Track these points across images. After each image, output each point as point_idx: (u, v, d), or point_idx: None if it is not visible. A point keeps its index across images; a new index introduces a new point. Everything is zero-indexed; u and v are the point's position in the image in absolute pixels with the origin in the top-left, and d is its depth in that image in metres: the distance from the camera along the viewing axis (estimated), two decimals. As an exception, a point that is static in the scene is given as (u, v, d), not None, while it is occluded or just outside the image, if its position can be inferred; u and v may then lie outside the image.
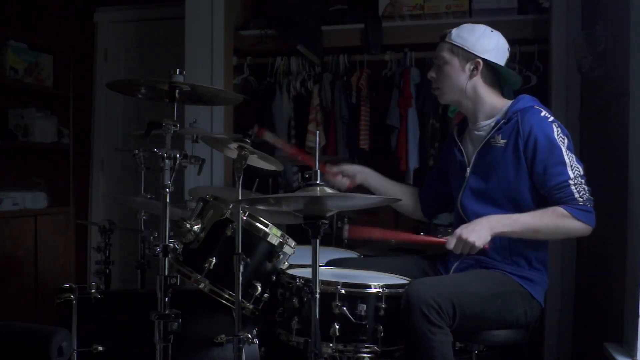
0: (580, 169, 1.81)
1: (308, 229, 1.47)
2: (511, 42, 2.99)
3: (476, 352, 1.89)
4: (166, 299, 1.58)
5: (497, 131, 1.90)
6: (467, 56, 1.92)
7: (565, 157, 1.80)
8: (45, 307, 3.50)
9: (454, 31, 1.95)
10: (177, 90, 1.68)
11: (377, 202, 1.89)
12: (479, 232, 1.78)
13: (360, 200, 1.64)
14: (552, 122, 1.84)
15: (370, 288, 1.72)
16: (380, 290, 1.72)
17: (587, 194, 1.79)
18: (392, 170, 3.23)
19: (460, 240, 1.78)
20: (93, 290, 1.90)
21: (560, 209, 1.77)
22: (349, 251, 2.51)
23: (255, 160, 1.96)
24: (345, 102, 3.26)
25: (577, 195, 1.77)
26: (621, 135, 1.92)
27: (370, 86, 3.27)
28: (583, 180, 1.80)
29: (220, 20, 3.26)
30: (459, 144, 2.05)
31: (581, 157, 2.68)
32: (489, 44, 1.93)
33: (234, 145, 1.84)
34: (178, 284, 1.61)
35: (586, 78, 2.60)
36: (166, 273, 1.59)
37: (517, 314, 1.81)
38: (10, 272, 3.47)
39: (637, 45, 1.78)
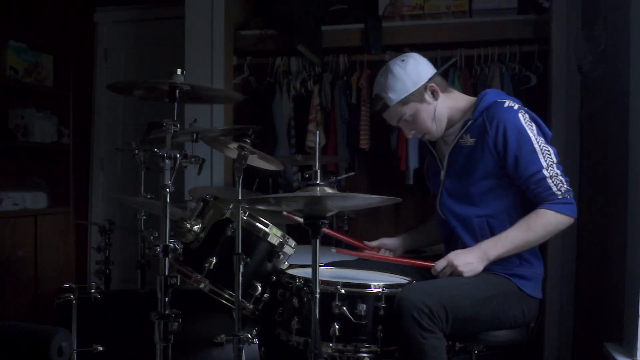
0: (553, 156, 1.81)
1: (308, 229, 1.47)
2: (511, 42, 3.04)
3: (476, 352, 1.89)
4: (166, 299, 1.58)
5: (466, 131, 1.91)
6: (419, 93, 1.93)
7: (535, 145, 1.80)
8: (45, 307, 3.50)
9: (387, 94, 1.93)
10: (177, 90, 1.68)
11: (377, 202, 1.89)
12: (472, 264, 1.80)
13: (360, 200, 1.64)
14: (518, 110, 1.85)
15: (370, 288, 1.72)
16: (380, 290, 1.72)
17: (565, 185, 1.80)
18: (392, 170, 3.24)
19: (451, 267, 1.80)
20: (93, 290, 1.91)
21: (542, 211, 1.78)
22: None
23: (255, 160, 1.96)
24: (345, 102, 3.26)
25: (554, 189, 1.78)
26: (621, 135, 1.92)
27: (370, 86, 3.27)
28: (559, 171, 1.80)
29: (220, 20, 3.26)
30: (431, 148, 2.07)
31: (581, 157, 2.73)
32: (415, 69, 1.94)
33: (234, 145, 1.84)
34: (178, 284, 1.61)
35: (586, 78, 2.60)
36: (166, 273, 1.59)
37: (513, 314, 1.81)
38: (10, 272, 3.47)
39: (637, 45, 1.78)
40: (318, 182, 1.47)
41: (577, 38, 2.53)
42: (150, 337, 1.57)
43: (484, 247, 1.82)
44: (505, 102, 1.87)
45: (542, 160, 1.79)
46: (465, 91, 2.85)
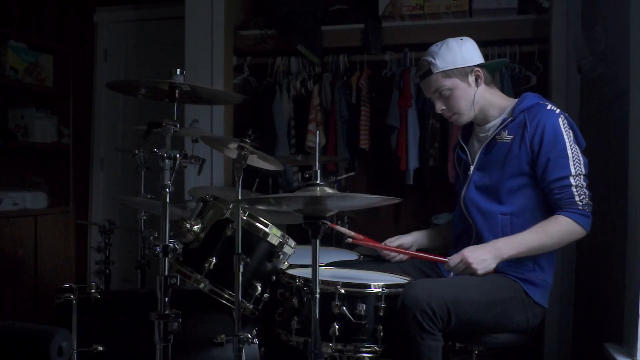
0: (582, 167, 1.81)
1: (308, 229, 1.47)
2: (511, 42, 3.04)
3: (476, 352, 1.89)
4: (166, 299, 1.58)
5: (503, 128, 1.91)
6: (465, 71, 1.93)
7: (569, 151, 1.80)
8: (45, 307, 3.51)
9: (436, 60, 1.94)
10: (177, 90, 1.68)
11: (377, 202, 1.89)
12: (485, 260, 1.78)
13: (360, 200, 1.64)
14: (559, 114, 1.86)
15: (370, 288, 1.72)
16: (380, 290, 1.72)
17: (587, 199, 1.79)
18: (392, 170, 3.24)
19: (464, 263, 1.78)
20: (93, 290, 1.91)
21: (562, 218, 1.78)
22: (349, 251, 2.51)
23: (255, 160, 1.96)
24: (345, 102, 3.26)
25: (577, 198, 1.78)
26: (621, 135, 1.92)
27: (370, 86, 3.27)
28: (585, 183, 1.80)
29: (220, 20, 3.26)
30: (464, 146, 2.06)
31: (581, 157, 2.72)
32: (470, 50, 1.95)
33: (234, 145, 1.84)
34: (178, 284, 1.61)
35: (586, 78, 2.60)
36: (166, 273, 1.59)
37: (517, 320, 1.80)
38: (10, 272, 3.47)
39: (637, 45, 1.78)
40: (318, 182, 1.47)
41: (577, 38, 2.53)
42: (150, 337, 1.57)
43: (499, 245, 1.81)
44: (547, 104, 1.88)
45: (571, 167, 1.79)
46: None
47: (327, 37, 3.30)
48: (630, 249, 1.79)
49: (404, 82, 3.15)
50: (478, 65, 1.94)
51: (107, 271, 2.62)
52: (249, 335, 1.77)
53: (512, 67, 3.03)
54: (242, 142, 1.80)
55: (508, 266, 1.85)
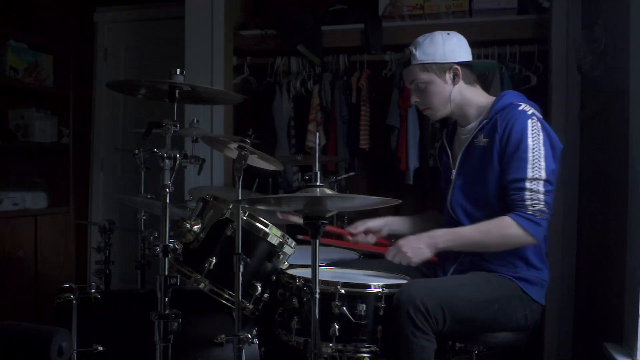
0: (542, 172, 1.75)
1: (308, 229, 1.47)
2: (511, 42, 3.04)
3: (476, 352, 1.89)
4: (166, 299, 1.58)
5: (480, 131, 1.90)
6: (443, 67, 1.93)
7: (529, 153, 1.77)
8: (45, 307, 3.50)
9: (416, 51, 1.94)
10: (177, 90, 1.68)
11: (377, 203, 1.89)
12: (418, 249, 1.81)
13: (360, 201, 1.64)
14: (531, 115, 1.82)
15: (370, 288, 1.72)
16: (380, 290, 1.72)
17: (541, 205, 1.74)
18: (392, 170, 3.24)
19: (400, 253, 1.82)
20: (93, 290, 1.91)
21: (506, 219, 1.75)
22: (349, 251, 2.51)
23: (255, 160, 1.96)
24: (345, 102, 3.26)
25: (528, 202, 1.74)
26: (621, 135, 1.92)
27: (370, 86, 3.27)
28: (543, 189, 1.75)
29: (220, 20, 3.26)
30: (447, 147, 2.06)
31: (581, 157, 2.72)
32: (454, 46, 1.94)
33: (234, 145, 1.84)
34: (178, 284, 1.61)
35: (586, 78, 2.60)
36: (166, 273, 1.59)
37: (516, 318, 1.80)
38: (10, 272, 3.47)
39: (637, 45, 1.78)
40: (318, 183, 1.47)
41: (577, 38, 2.53)
42: (150, 337, 1.57)
43: (436, 234, 1.83)
44: (521, 104, 1.85)
45: (529, 170, 1.76)
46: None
47: (327, 37, 3.30)
48: (630, 249, 1.79)
49: (404, 82, 3.14)
50: (459, 63, 1.93)
51: (107, 271, 2.62)
52: (249, 335, 1.77)
53: (512, 67, 3.03)
54: (242, 142, 1.80)
55: (502, 266, 1.85)
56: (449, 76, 1.94)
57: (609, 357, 1.79)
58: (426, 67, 1.93)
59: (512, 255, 1.85)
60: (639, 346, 1.69)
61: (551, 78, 2.86)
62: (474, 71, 1.99)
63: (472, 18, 3.09)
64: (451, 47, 1.93)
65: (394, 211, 3.46)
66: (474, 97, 1.97)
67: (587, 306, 2.58)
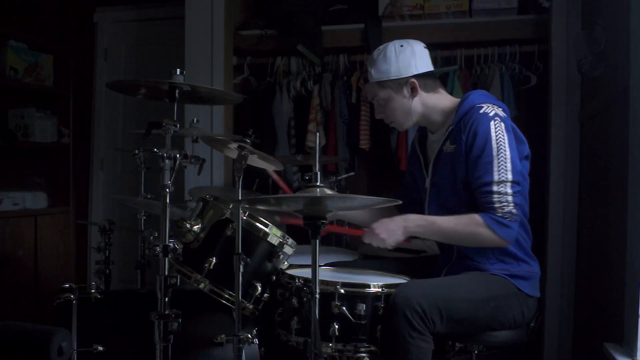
0: (509, 174, 1.75)
1: (308, 229, 1.47)
2: (511, 42, 3.04)
3: (476, 352, 1.89)
4: (166, 299, 1.58)
5: (447, 138, 1.89)
6: (399, 83, 1.92)
7: (494, 157, 1.75)
8: (45, 307, 3.50)
9: (371, 69, 1.94)
10: (177, 90, 1.68)
11: (377, 203, 1.89)
12: (392, 231, 1.82)
13: (360, 201, 1.64)
14: (493, 117, 1.80)
15: (370, 288, 1.72)
16: (380, 290, 1.72)
17: (510, 207, 1.74)
18: (392, 170, 3.24)
19: (374, 235, 1.83)
20: (93, 290, 1.91)
21: (477, 217, 1.75)
22: (349, 251, 2.51)
23: (255, 160, 1.96)
24: (345, 102, 3.26)
25: (497, 205, 1.74)
26: (621, 135, 1.92)
27: (370, 86, 3.27)
28: (510, 191, 1.75)
29: (220, 20, 3.26)
30: (419, 153, 2.05)
31: (581, 157, 2.72)
32: (408, 59, 1.92)
33: (234, 145, 1.84)
34: (178, 284, 1.61)
35: (586, 78, 2.60)
36: (166, 273, 1.59)
37: (513, 314, 1.81)
38: (10, 272, 3.47)
39: (637, 45, 1.78)
40: (318, 184, 1.47)
41: (577, 38, 2.53)
42: (150, 337, 1.57)
43: (409, 218, 1.84)
44: (483, 106, 1.83)
45: (494, 173, 1.75)
46: (465, 91, 2.85)
47: (327, 37, 3.30)
48: (630, 249, 1.79)
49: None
50: (415, 76, 1.91)
51: (107, 271, 2.62)
52: (249, 335, 1.77)
53: (512, 67, 3.03)
54: (242, 142, 1.80)
55: (493, 265, 1.86)
56: (406, 90, 1.93)
57: (609, 357, 1.79)
58: (383, 84, 1.93)
59: (500, 253, 1.85)
60: (639, 346, 1.69)
61: (551, 78, 2.86)
62: (434, 77, 1.98)
63: (472, 18, 3.10)
64: (405, 60, 1.91)
65: (394, 211, 3.48)
66: (438, 103, 1.96)
67: (587, 306, 2.58)
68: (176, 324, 1.58)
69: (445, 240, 1.87)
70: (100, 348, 1.81)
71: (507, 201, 1.74)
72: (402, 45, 1.93)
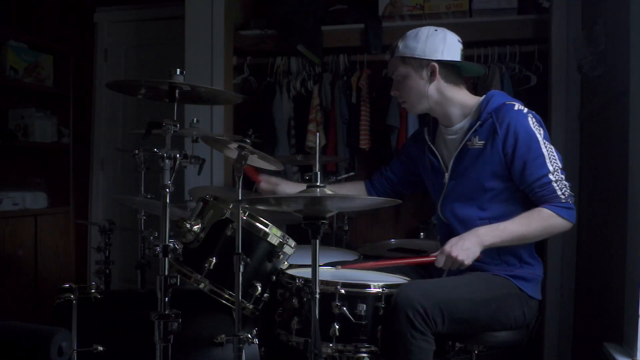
0: (558, 161, 1.82)
1: (308, 229, 1.47)
2: (511, 42, 3.04)
3: (476, 352, 1.89)
4: (166, 299, 1.58)
5: (474, 134, 1.89)
6: (420, 63, 1.93)
7: (544, 149, 1.81)
8: (45, 307, 3.50)
9: (400, 43, 1.95)
10: (177, 90, 1.68)
11: (377, 203, 1.89)
12: (469, 249, 1.78)
13: (360, 201, 1.64)
14: (527, 113, 1.86)
15: (370, 288, 1.72)
16: (380, 290, 1.72)
17: (568, 190, 1.81)
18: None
19: (450, 258, 1.78)
20: (93, 290, 1.91)
21: (545, 210, 1.78)
22: (349, 251, 2.51)
23: (255, 160, 1.96)
24: (345, 102, 3.26)
25: (559, 192, 1.79)
26: (621, 135, 1.92)
27: (370, 86, 3.27)
28: (563, 176, 1.81)
29: (220, 20, 3.26)
30: (433, 148, 2.04)
31: (581, 157, 2.73)
32: (437, 43, 1.92)
33: (234, 145, 1.84)
34: (178, 284, 1.61)
35: (586, 78, 2.60)
36: (166, 273, 1.59)
37: (514, 315, 1.81)
38: (10, 272, 3.47)
39: (637, 45, 1.78)
40: (318, 184, 1.47)
41: (577, 38, 2.53)
42: (150, 337, 1.57)
43: (480, 232, 1.81)
44: (514, 104, 1.87)
45: (549, 165, 1.80)
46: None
47: (327, 37, 3.30)
48: (630, 249, 1.79)
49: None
50: (438, 61, 1.92)
51: (107, 271, 2.62)
52: (249, 335, 1.77)
53: (512, 67, 3.03)
54: (242, 142, 1.80)
55: (496, 266, 1.86)
56: (425, 73, 1.93)
57: (609, 357, 1.79)
58: (405, 60, 1.94)
59: (505, 254, 1.87)
60: (639, 346, 1.69)
61: (551, 78, 2.86)
62: (459, 72, 1.98)
63: (472, 18, 3.10)
64: (433, 44, 1.92)
65: (395, 211, 3.49)
66: (456, 96, 1.96)
67: (587, 306, 2.58)
68: (176, 324, 1.58)
69: (519, 242, 1.84)
70: (100, 348, 1.81)
71: (565, 186, 1.81)
72: (436, 30, 1.95)
